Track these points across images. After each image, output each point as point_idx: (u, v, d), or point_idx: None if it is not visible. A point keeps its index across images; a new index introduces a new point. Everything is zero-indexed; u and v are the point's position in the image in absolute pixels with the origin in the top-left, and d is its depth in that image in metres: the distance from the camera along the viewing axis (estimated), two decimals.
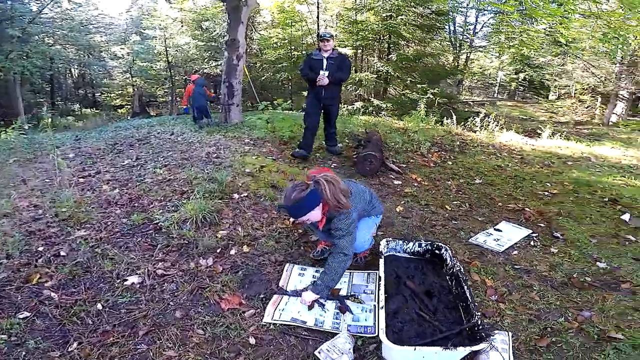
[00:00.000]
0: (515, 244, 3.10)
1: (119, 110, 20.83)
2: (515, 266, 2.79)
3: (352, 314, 2.23)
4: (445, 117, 7.40)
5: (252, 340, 2.01)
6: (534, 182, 4.51)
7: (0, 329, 1.86)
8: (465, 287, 2.22)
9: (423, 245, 2.74)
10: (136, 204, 3.31)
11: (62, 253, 2.54)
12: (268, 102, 6.62)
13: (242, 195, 3.57)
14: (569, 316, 2.26)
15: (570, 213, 3.73)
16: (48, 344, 1.84)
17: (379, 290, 2.38)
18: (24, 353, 1.77)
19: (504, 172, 4.76)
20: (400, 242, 2.77)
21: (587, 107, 15.56)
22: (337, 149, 5.05)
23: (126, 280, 2.37)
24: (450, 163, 5.00)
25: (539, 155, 5.57)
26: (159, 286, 2.36)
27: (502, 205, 3.85)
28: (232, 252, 2.75)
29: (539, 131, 7.11)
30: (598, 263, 2.85)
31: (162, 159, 4.44)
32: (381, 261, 2.42)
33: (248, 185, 3.79)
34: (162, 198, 3.43)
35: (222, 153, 4.75)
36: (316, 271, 2.60)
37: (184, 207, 3.15)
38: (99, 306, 2.15)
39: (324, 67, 4.35)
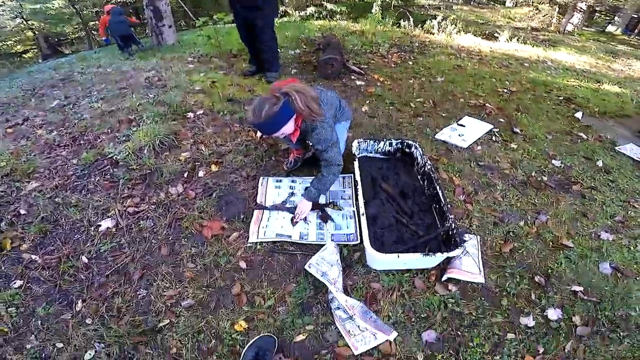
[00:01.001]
0: (479, 139, 3.14)
1: (25, 56, 17.64)
2: (480, 163, 2.84)
3: (334, 222, 2.21)
4: (402, 20, 6.94)
5: (242, 265, 1.95)
6: (493, 80, 4.47)
7: (4, 302, 1.78)
8: (438, 188, 2.22)
9: (394, 144, 2.67)
10: (82, 142, 2.89)
11: (22, 211, 2.24)
12: (207, 18, 5.74)
13: (197, 113, 3.24)
14: (528, 219, 2.38)
15: (528, 110, 3.78)
16: (56, 307, 1.78)
17: (356, 195, 2.36)
18: (39, 321, 1.72)
19: (464, 71, 4.65)
20: (372, 142, 2.67)
21: (544, 15, 15.35)
22: (273, 77, 3.98)
23: (100, 225, 2.15)
24: (410, 63, 4.78)
25: (497, 56, 5.46)
26: (135, 225, 2.16)
27: (464, 102, 3.82)
28: (201, 173, 2.53)
29: (496, 35, 6.92)
30: (553, 161, 2.97)
31: (96, 92, 3.85)
32: (356, 164, 2.32)
33: (201, 103, 3.43)
34: (108, 130, 3.01)
35: (164, 75, 4.20)
36: (292, 181, 2.50)
37: (136, 135, 2.81)
38: (84, 259, 1.99)
39: None
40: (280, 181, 2.49)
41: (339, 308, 1.78)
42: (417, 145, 2.59)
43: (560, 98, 4.14)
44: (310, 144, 2.27)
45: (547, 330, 1.77)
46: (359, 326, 1.71)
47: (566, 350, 1.70)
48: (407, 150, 2.67)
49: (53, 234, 2.12)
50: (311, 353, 1.64)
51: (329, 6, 9.50)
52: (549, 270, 2.05)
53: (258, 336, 1.64)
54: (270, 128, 1.89)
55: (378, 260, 1.86)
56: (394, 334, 1.69)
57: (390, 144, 2.68)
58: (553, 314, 1.85)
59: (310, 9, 9.38)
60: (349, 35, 5.24)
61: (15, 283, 1.86)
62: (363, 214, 1.98)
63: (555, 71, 5.14)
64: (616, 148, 3.27)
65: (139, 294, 1.83)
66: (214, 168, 2.58)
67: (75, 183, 2.44)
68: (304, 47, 4.98)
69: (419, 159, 2.55)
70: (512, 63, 5.24)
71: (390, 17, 6.85)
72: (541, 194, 2.60)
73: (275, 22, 3.92)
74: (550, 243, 2.22)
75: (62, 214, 2.22)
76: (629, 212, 2.53)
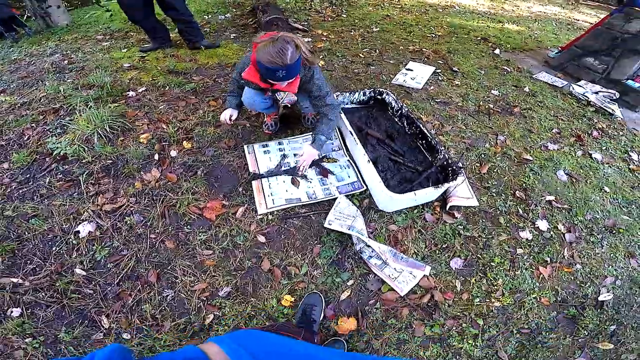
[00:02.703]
0: (428, 80, 3.19)
1: None
2: (437, 100, 2.91)
3: (334, 174, 2.05)
4: None
5: (261, 239, 1.71)
6: (420, 27, 4.53)
7: (16, 334, 1.37)
8: (422, 126, 2.20)
9: (367, 93, 2.57)
10: (2, 142, 2.16)
11: None
12: None
13: (139, 91, 2.68)
14: (491, 141, 2.52)
15: (457, 50, 3.92)
16: (79, 329, 1.40)
17: (345, 145, 2.27)
18: (71, 347, 1.36)
19: (392, 20, 4.61)
20: (347, 94, 2.54)
21: None
22: (208, 42, 3.42)
23: (78, 232, 1.65)
24: (345, 16, 4.61)
25: (414, 4, 5.53)
26: (122, 224, 1.71)
27: (404, 49, 3.82)
28: (173, 153, 2.11)
29: None
30: (492, 91, 3.16)
31: None
32: (343, 116, 2.16)
33: (139, 79, 2.85)
34: (33, 124, 2.30)
35: (75, 57, 3.33)
36: (279, 143, 2.24)
37: (76, 123, 2.20)
38: (80, 272, 1.53)
39: None
40: (267, 146, 2.21)
41: (371, 257, 1.68)
42: (388, 92, 2.52)
43: (479, 38, 4.36)
44: (299, 100, 2.05)
45: (544, 241, 1.88)
46: (395, 269, 1.65)
47: (566, 257, 1.81)
48: (378, 97, 2.58)
49: (24, 251, 1.59)
50: (361, 305, 1.54)
51: None
52: (523, 185, 2.19)
53: (308, 293, 1.51)
54: (294, 71, 1.61)
55: (395, 200, 1.78)
56: (428, 268, 1.67)
57: (364, 94, 2.56)
58: (542, 225, 1.96)
59: None
60: None
61: (12, 312, 1.40)
62: (369, 161, 1.85)
63: (464, 14, 5.39)
64: (534, 76, 3.60)
65: (167, 295, 1.49)
66: (186, 145, 2.16)
67: (20, 190, 1.83)
68: (234, 10, 4.40)
69: (393, 104, 2.48)
70: (429, 9, 5.35)
71: None
72: (493, 118, 2.78)
73: None
74: (515, 159, 2.38)
75: (22, 228, 1.67)
76: (560, 124, 2.84)
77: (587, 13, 7.03)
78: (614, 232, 1.98)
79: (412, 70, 3.33)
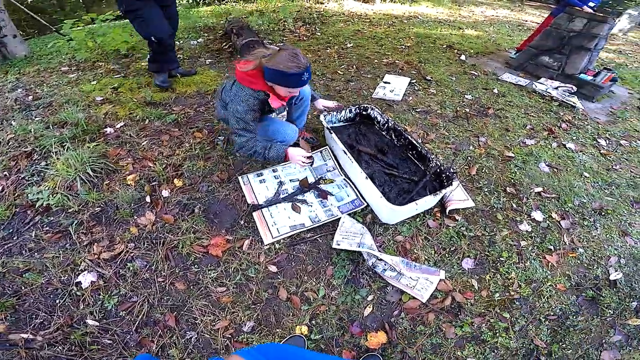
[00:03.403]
0: (406, 90, 3.27)
1: None
2: (417, 110, 2.98)
3: (333, 195, 2.04)
4: None
5: (273, 269, 1.65)
6: (390, 39, 4.66)
7: None
8: (410, 137, 2.24)
9: (353, 110, 2.59)
10: None
11: None
12: (75, 20, 4.43)
13: (117, 127, 2.53)
14: (474, 143, 2.61)
15: (427, 60, 4.06)
16: None
17: (339, 164, 2.26)
18: None
19: (364, 35, 4.73)
20: (335, 112, 2.53)
21: None
22: (184, 70, 3.33)
23: (80, 283, 1.53)
24: (319, 34, 4.66)
25: (381, 17, 5.70)
26: (125, 270, 1.59)
27: (378, 62, 3.90)
28: (165, 193, 2.00)
29: None
30: (466, 96, 3.29)
31: None
32: (334, 136, 2.14)
33: (115, 113, 2.69)
34: (5, 173, 2.11)
35: (40, 91, 3.12)
36: (273, 171, 2.19)
37: (53, 167, 2.04)
38: (91, 322, 1.42)
39: None
40: (262, 174, 2.15)
41: (385, 269, 1.67)
42: (373, 107, 2.55)
43: (444, 46, 4.55)
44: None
45: (543, 231, 1.95)
46: (411, 278, 1.65)
47: (567, 243, 1.88)
48: (364, 113, 2.60)
49: (25, 306, 1.47)
50: (386, 318, 1.52)
51: None
52: (512, 180, 2.28)
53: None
54: (310, 72, 1.65)
55: (398, 212, 1.79)
56: (442, 272, 1.69)
57: (350, 111, 2.58)
58: (537, 215, 2.04)
59: None
60: (249, 16, 4.76)
61: None
62: (367, 177, 1.86)
63: (428, 24, 5.62)
64: (499, 78, 3.80)
65: (190, 337, 1.40)
66: (177, 183, 2.06)
67: (5, 246, 1.67)
68: (205, 34, 4.33)
69: (379, 118, 2.52)
70: (395, 22, 5.54)
71: None
72: (471, 121, 2.89)
73: None
74: (499, 157, 2.48)
75: (17, 283, 1.54)
76: (532, 120, 3.00)
77: (532, 13, 7.56)
78: (603, 213, 2.10)
79: (389, 83, 3.41)
